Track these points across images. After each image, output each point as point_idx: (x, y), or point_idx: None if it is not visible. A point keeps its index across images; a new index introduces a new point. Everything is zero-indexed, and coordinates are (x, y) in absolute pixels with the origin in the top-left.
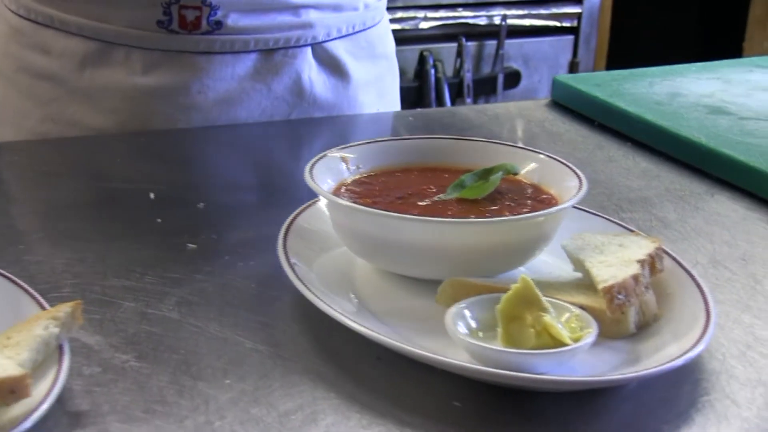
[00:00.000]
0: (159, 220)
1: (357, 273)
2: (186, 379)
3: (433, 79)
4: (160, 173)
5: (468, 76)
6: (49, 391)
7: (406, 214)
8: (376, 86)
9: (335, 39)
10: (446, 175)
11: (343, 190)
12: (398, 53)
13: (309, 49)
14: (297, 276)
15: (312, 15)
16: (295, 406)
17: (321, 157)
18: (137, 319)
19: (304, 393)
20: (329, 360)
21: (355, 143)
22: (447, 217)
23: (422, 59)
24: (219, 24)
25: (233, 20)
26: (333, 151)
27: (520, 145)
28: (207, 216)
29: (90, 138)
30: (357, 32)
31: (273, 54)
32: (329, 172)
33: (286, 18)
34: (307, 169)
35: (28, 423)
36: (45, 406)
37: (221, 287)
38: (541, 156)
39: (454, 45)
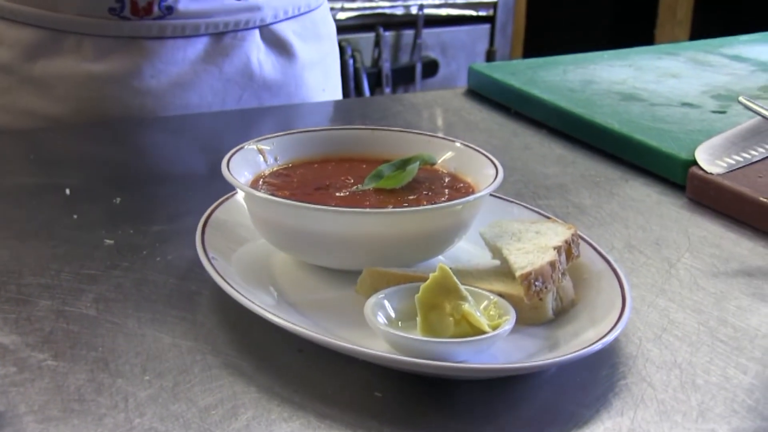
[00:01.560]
0: (75, 216)
1: (276, 265)
2: (104, 377)
3: (351, 69)
4: (81, 167)
5: (386, 66)
6: None
7: (323, 205)
8: (321, 66)
9: (282, 21)
10: (364, 166)
11: (260, 183)
12: None
13: (257, 32)
14: (215, 270)
15: None
16: (216, 401)
17: (238, 150)
18: (53, 317)
19: (224, 387)
20: (249, 354)
21: (272, 135)
22: (365, 208)
23: (340, 50)
24: (170, 9)
25: (184, 5)
26: (250, 143)
27: (437, 134)
28: (124, 210)
29: (16, 132)
30: (302, 14)
31: (223, 37)
32: (246, 164)
33: (234, 1)
34: (224, 161)
35: None
36: None
37: (139, 283)
38: (458, 145)
39: (372, 35)
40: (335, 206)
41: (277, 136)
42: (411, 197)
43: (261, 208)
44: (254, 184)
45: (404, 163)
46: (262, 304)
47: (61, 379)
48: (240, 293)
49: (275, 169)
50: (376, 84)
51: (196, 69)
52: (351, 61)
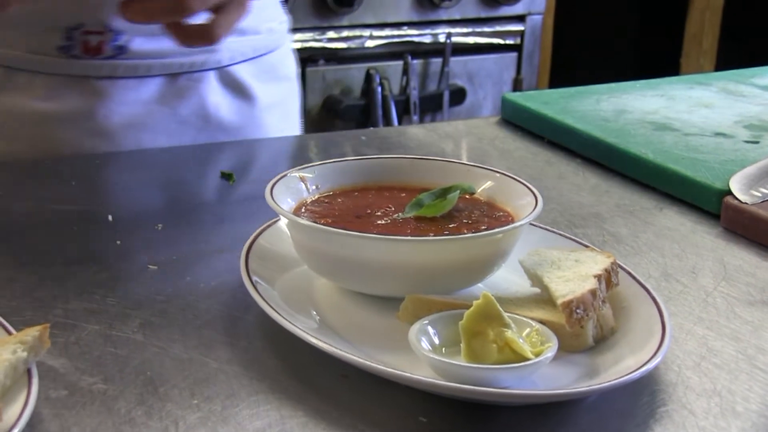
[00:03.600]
0: (118, 242)
1: (318, 292)
2: (153, 401)
3: (379, 97)
4: (122, 195)
5: (414, 94)
6: (20, 416)
7: (365, 232)
8: (279, 108)
9: (240, 62)
10: (403, 194)
11: (303, 210)
12: (345, 71)
13: (214, 73)
14: (260, 295)
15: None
16: (264, 425)
17: (281, 177)
18: (101, 341)
19: (272, 411)
20: (294, 378)
21: (314, 163)
22: (406, 235)
23: (369, 77)
24: (122, 49)
25: (137, 45)
26: (292, 171)
27: (475, 163)
28: (167, 237)
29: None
30: (261, 55)
31: (178, 78)
32: (289, 191)
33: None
34: (267, 189)
35: None
36: (18, 430)
37: (183, 308)
38: (496, 174)
39: (400, 63)
40: (377, 234)
41: (319, 164)
42: (451, 225)
43: (303, 235)
44: (296, 212)
45: (444, 192)
46: (306, 329)
47: (112, 403)
48: (284, 318)
49: (317, 197)
50: (403, 111)
51: (150, 110)
52: (379, 89)
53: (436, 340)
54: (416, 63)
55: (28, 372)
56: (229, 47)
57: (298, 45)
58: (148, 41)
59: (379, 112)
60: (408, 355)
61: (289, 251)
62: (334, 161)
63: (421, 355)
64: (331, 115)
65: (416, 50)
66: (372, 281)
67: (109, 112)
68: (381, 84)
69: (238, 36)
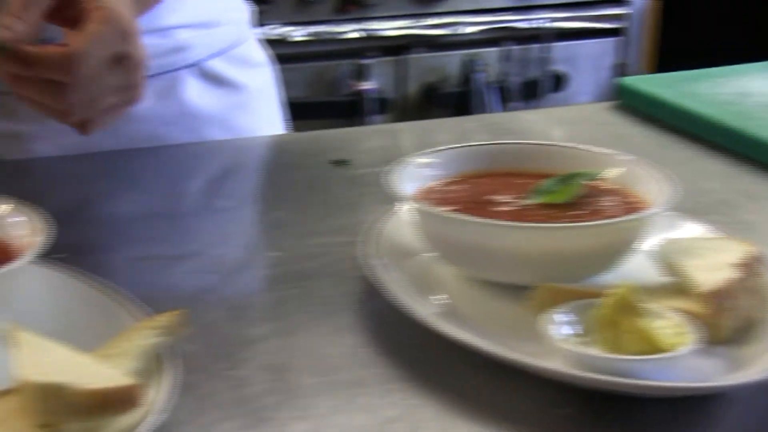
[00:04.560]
0: (237, 230)
1: (443, 279)
2: (284, 387)
3: (477, 84)
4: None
5: (512, 81)
6: (157, 401)
7: (495, 220)
8: (264, 93)
9: (214, 56)
10: (526, 180)
11: (426, 196)
12: (442, 59)
13: (191, 71)
14: (387, 283)
15: (184, 35)
16: (396, 415)
17: (403, 163)
18: (231, 326)
19: (403, 401)
20: (423, 367)
21: (437, 149)
22: (538, 223)
23: (466, 64)
24: None
25: None
26: (415, 156)
27: (602, 149)
28: (286, 224)
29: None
30: (230, 48)
31: (156, 79)
32: (411, 177)
33: (158, 42)
34: (390, 174)
35: (143, 430)
36: (155, 416)
37: (309, 295)
38: (624, 159)
39: (498, 49)
40: (507, 221)
41: (441, 150)
42: (578, 212)
43: (429, 221)
44: (420, 198)
45: (568, 178)
46: (433, 317)
47: (243, 389)
48: (412, 306)
49: (439, 182)
50: (501, 99)
51: (130, 116)
52: (477, 76)
53: (569, 330)
54: (515, 49)
55: (163, 357)
56: (200, 42)
57: (396, 32)
58: None
59: (478, 99)
60: (538, 346)
61: (411, 238)
62: (455, 147)
63: (555, 346)
64: (428, 102)
65: (514, 36)
66: (500, 269)
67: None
68: (479, 71)
69: (201, 29)
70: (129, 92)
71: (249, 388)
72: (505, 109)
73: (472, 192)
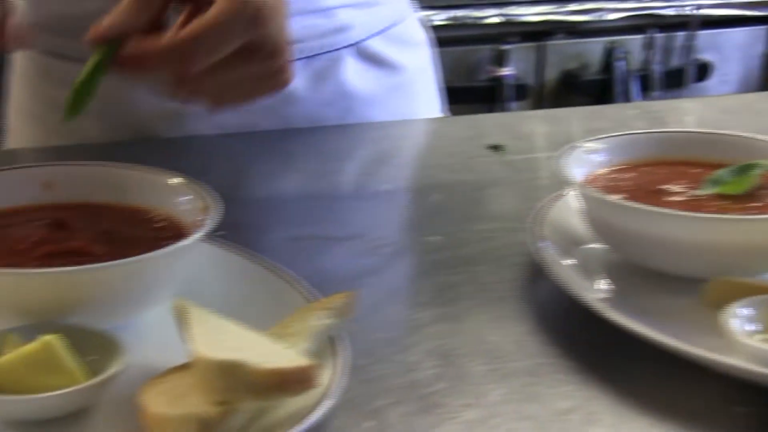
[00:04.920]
0: (395, 212)
1: (610, 268)
2: (453, 373)
3: (619, 72)
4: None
5: (656, 69)
6: (333, 383)
7: (669, 209)
8: (423, 75)
9: (375, 35)
10: (698, 170)
11: (594, 182)
12: (584, 45)
13: (351, 50)
14: (557, 270)
15: (345, 15)
16: (570, 406)
17: (571, 148)
18: (398, 309)
19: (576, 392)
20: (594, 357)
21: (605, 135)
22: (716, 214)
23: (609, 52)
24: None
25: None
26: (583, 142)
27: None
28: (444, 210)
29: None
30: (394, 25)
31: (314, 60)
32: (579, 163)
33: (322, 22)
34: (558, 159)
35: (318, 414)
36: (332, 398)
37: (472, 281)
38: None
39: (642, 37)
40: (683, 211)
41: (609, 137)
42: (756, 204)
43: (599, 209)
44: (588, 184)
45: (744, 169)
46: (603, 305)
47: (412, 374)
48: (583, 295)
49: (608, 169)
50: (644, 87)
51: (288, 97)
52: (619, 64)
53: (751, 326)
54: (659, 36)
55: (335, 339)
56: (361, 21)
57: (537, 18)
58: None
59: (619, 87)
60: (715, 340)
61: (578, 225)
62: (625, 133)
63: (737, 341)
64: (568, 89)
65: (660, 23)
66: (673, 260)
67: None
68: (622, 58)
69: (363, 8)
70: (272, 79)
71: (418, 373)
72: (644, 98)
73: (641, 180)
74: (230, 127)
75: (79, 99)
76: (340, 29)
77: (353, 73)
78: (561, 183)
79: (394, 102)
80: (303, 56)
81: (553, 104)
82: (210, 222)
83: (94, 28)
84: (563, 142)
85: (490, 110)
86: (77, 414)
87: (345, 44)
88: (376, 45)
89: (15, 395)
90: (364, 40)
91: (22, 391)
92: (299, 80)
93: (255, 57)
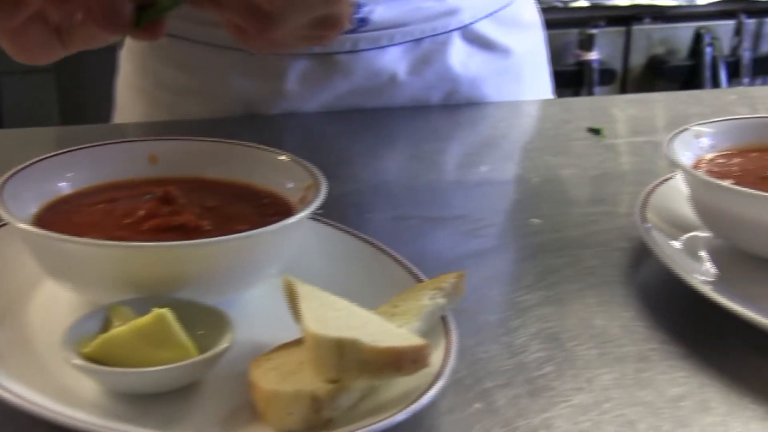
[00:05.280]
0: (496, 194)
1: (716, 254)
2: (561, 356)
3: (709, 57)
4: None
5: (746, 55)
6: (445, 363)
7: None
8: (532, 58)
9: (482, 18)
10: None
11: (701, 167)
12: (672, 30)
13: (457, 33)
14: (664, 256)
15: None
16: (683, 392)
17: (680, 131)
18: (500, 290)
19: (689, 379)
20: (705, 345)
21: (713, 120)
22: None
23: (698, 37)
24: (364, 21)
25: (379, 15)
26: (690, 126)
27: None
28: (540, 192)
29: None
30: (503, 7)
31: (420, 44)
32: (687, 147)
33: (432, 5)
34: (666, 143)
35: (431, 395)
36: (443, 379)
37: (575, 263)
38: None
39: (733, 22)
40: None
41: (718, 121)
42: None
43: (706, 193)
44: (697, 169)
45: None
46: (714, 293)
47: (520, 356)
48: (692, 279)
49: (715, 154)
50: (733, 74)
51: (395, 80)
52: (708, 50)
53: None
54: (750, 22)
55: (445, 319)
56: (470, 4)
57: (625, 2)
58: (390, 10)
59: (707, 73)
60: None
61: (684, 210)
62: (730, 119)
63: None
64: (654, 75)
65: (751, 9)
66: None
67: (353, 87)
68: (711, 44)
69: None
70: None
71: (525, 355)
72: (731, 85)
73: (749, 166)
74: (333, 106)
75: (146, 18)
76: (449, 12)
77: (459, 57)
78: (664, 167)
79: (500, 85)
80: (409, 39)
81: (637, 89)
82: (317, 200)
83: None
84: (662, 127)
85: (576, 94)
86: (184, 389)
87: (453, 27)
88: (484, 28)
89: (126, 368)
90: (472, 23)
91: (133, 364)
92: (403, 63)
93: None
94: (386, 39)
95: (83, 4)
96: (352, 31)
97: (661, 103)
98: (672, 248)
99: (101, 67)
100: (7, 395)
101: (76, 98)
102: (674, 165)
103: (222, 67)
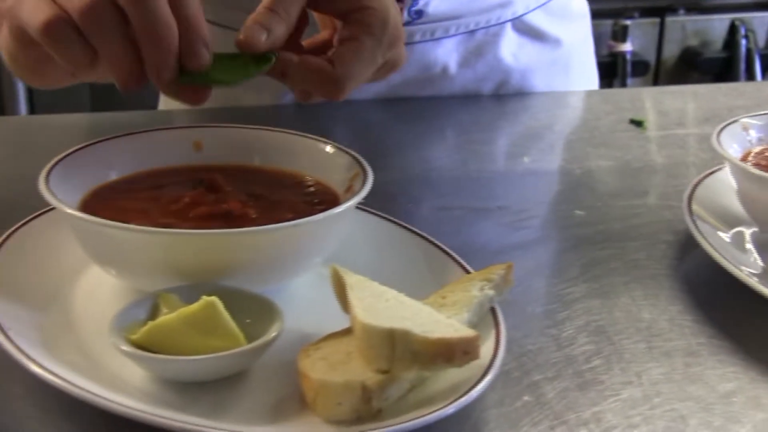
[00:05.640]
0: (540, 186)
1: (765, 248)
2: (610, 351)
3: (743, 50)
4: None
5: None
6: (495, 356)
7: None
8: (580, 48)
9: (534, 10)
10: None
11: (749, 159)
12: (707, 22)
13: (509, 25)
14: (713, 249)
15: None
16: (734, 388)
17: (728, 124)
18: (545, 284)
19: (739, 374)
20: (754, 340)
21: (761, 113)
22: None
23: (733, 29)
24: (420, 13)
25: (434, 7)
26: (738, 118)
27: None
28: (585, 183)
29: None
30: None
31: (473, 35)
32: (734, 139)
33: None
34: (714, 135)
35: (482, 387)
36: (493, 372)
37: (620, 255)
38: None
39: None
40: None
41: (764, 114)
42: None
43: (755, 186)
44: (744, 161)
45: None
46: (766, 288)
47: (568, 349)
48: (741, 272)
49: (764, 147)
50: (763, 67)
51: (447, 72)
52: (744, 42)
53: None
54: None
55: (493, 311)
56: None
57: None
58: (445, 2)
59: (742, 66)
60: None
61: (731, 203)
62: None
63: None
64: (688, 67)
65: None
66: None
67: (406, 79)
68: (746, 36)
69: None
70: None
71: (573, 348)
72: (765, 77)
73: None
74: (385, 97)
75: (202, 80)
76: (503, 4)
77: (510, 48)
78: (706, 159)
79: (549, 76)
80: (461, 32)
81: (671, 81)
82: (364, 189)
83: (246, 37)
84: (704, 119)
85: (609, 86)
86: (231, 377)
87: (506, 19)
88: (536, 19)
89: (174, 355)
90: (525, 13)
91: (181, 351)
92: (456, 55)
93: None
94: (441, 31)
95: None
96: (408, 24)
97: (702, 95)
98: (720, 240)
99: None
100: (55, 379)
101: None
102: (722, 158)
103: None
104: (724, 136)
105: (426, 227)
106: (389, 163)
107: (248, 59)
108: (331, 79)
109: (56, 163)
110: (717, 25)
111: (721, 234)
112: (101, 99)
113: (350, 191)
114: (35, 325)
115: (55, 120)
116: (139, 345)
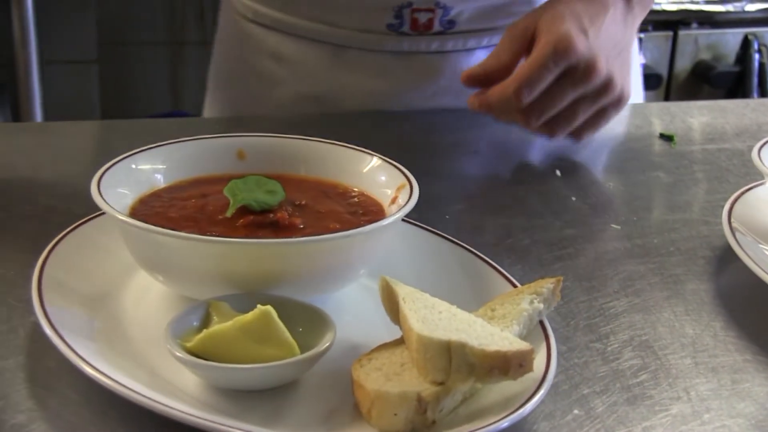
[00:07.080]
0: (573, 199)
1: None
2: (656, 365)
3: (756, 64)
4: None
5: None
6: (547, 369)
7: None
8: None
9: None
10: None
11: None
12: (720, 36)
13: None
14: (751, 258)
15: None
16: None
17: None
18: (587, 298)
19: None
20: None
21: None
22: None
23: (746, 43)
24: (452, 23)
25: (467, 18)
26: None
27: None
28: (621, 196)
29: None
30: None
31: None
32: None
33: (520, 9)
34: (755, 151)
35: (537, 400)
36: (547, 385)
37: (659, 271)
38: None
39: None
40: None
41: None
42: None
43: None
44: None
45: None
46: None
47: (614, 364)
48: None
49: None
50: None
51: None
52: (757, 56)
53: None
54: None
55: (542, 324)
56: None
57: (673, 7)
58: (479, 13)
59: (755, 80)
60: None
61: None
62: None
63: None
64: (700, 80)
65: None
66: None
67: (439, 89)
68: (759, 51)
69: None
70: (604, 100)
71: (620, 363)
72: None
73: None
74: (419, 106)
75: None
76: None
77: None
78: (738, 175)
79: None
80: (494, 43)
81: (683, 95)
82: (411, 201)
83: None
84: (734, 135)
85: None
86: (285, 386)
87: None
88: None
89: (228, 363)
90: None
91: (235, 360)
92: None
93: (574, 79)
94: (473, 41)
95: None
96: (440, 33)
97: (731, 110)
98: (761, 255)
99: (143, 59)
100: (115, 385)
101: (118, 89)
102: (764, 174)
103: (313, 60)
104: (765, 152)
105: (465, 239)
106: (423, 173)
107: None
108: (506, 89)
109: (106, 170)
110: (730, 39)
111: (763, 247)
112: (110, 105)
113: (395, 203)
114: (88, 332)
115: (70, 127)
116: (193, 352)
